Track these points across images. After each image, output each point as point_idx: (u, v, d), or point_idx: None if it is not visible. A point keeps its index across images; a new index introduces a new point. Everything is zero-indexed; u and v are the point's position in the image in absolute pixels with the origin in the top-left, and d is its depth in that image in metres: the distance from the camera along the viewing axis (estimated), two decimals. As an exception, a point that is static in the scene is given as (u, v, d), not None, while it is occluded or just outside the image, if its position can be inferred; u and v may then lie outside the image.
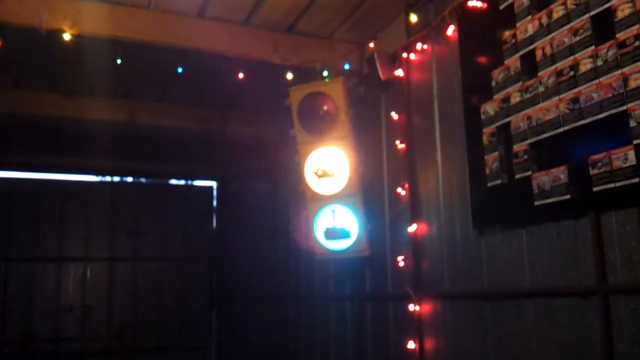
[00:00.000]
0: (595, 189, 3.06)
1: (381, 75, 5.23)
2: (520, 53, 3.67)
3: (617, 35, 2.98)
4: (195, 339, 8.85)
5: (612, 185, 2.97)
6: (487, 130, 3.93)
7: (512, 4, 3.76)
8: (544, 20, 3.47)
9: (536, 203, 3.46)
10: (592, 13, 3.14)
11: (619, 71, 2.95)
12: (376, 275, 5.55)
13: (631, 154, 2.86)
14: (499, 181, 3.80)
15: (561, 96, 3.31)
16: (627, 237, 2.98)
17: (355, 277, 5.89)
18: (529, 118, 3.55)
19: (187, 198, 9.22)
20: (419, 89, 4.96)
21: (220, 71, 5.73)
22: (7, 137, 7.36)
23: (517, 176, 3.64)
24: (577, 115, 3.20)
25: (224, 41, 5.28)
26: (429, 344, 4.63)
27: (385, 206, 5.41)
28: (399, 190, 5.07)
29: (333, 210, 5.48)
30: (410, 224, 4.86)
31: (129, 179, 8.99)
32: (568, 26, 3.29)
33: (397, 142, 5.13)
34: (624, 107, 2.91)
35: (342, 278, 6.22)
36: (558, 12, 3.37)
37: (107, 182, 8.88)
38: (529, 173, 3.53)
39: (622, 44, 2.95)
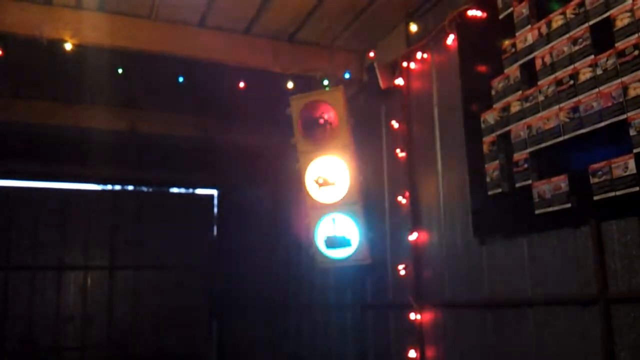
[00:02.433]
0: (595, 197, 3.07)
1: (381, 84, 5.25)
2: (520, 62, 3.68)
3: (617, 45, 2.99)
4: (195, 348, 8.82)
5: (612, 194, 2.97)
6: (488, 139, 3.94)
7: (511, 14, 3.78)
8: (544, 30, 3.49)
9: (537, 212, 3.47)
10: (591, 22, 3.16)
11: (619, 80, 2.97)
12: (377, 283, 5.54)
13: (631, 163, 2.87)
14: (499, 190, 3.81)
15: (561, 105, 3.32)
16: (627, 246, 2.99)
17: (356, 285, 5.88)
18: (529, 127, 3.56)
19: (187, 206, 9.21)
20: (419, 98, 4.97)
21: (221, 80, 5.75)
22: (8, 146, 7.36)
23: (517, 185, 3.64)
24: (577, 124, 3.20)
25: (225, 50, 5.30)
26: (430, 352, 4.62)
27: (386, 214, 5.41)
28: (400, 198, 5.07)
29: (334, 219, 5.47)
30: (411, 233, 4.86)
31: (130, 188, 8.99)
32: (567, 35, 3.31)
33: (398, 150, 5.14)
34: (624, 116, 2.92)
35: (343, 286, 6.21)
36: (557, 21, 3.38)
37: (107, 191, 8.88)
38: (530, 182, 3.54)
39: (621, 53, 2.96)
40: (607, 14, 3.05)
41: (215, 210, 9.39)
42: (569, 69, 3.28)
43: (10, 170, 8.17)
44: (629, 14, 2.93)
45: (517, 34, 3.71)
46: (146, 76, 6.01)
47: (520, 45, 3.68)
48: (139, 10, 4.93)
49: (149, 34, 5.02)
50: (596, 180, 3.06)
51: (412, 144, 5.01)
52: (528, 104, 3.58)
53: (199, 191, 9.45)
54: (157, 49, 5.07)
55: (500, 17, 3.89)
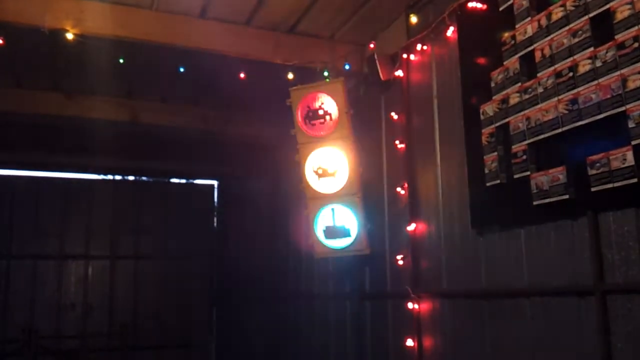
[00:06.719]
0: (593, 189, 3.09)
1: (381, 76, 5.26)
2: (520, 54, 3.70)
3: (616, 37, 3.00)
4: (195, 337, 8.86)
5: (610, 185, 3.00)
6: (486, 131, 3.96)
7: (511, 6, 3.79)
8: (543, 22, 3.50)
9: (535, 203, 3.49)
10: (591, 14, 3.17)
11: (618, 72, 2.98)
12: (375, 273, 5.57)
13: (629, 155, 2.89)
14: (497, 181, 3.83)
15: (560, 97, 3.34)
16: (624, 237, 3.01)
17: (355, 275, 5.92)
18: (528, 119, 3.58)
19: (188, 197, 9.22)
20: (418, 90, 4.98)
21: (221, 71, 5.75)
22: (10, 136, 7.38)
23: (515, 176, 3.67)
24: (576, 116, 3.22)
25: (226, 41, 5.30)
26: (427, 342, 4.66)
27: (385, 205, 5.43)
28: (399, 189, 5.10)
29: (333, 209, 5.50)
30: (410, 223, 4.89)
31: (131, 178, 9.01)
32: (567, 27, 3.32)
33: (397, 142, 5.15)
34: (623, 108, 2.94)
35: (342, 276, 6.25)
36: (557, 13, 3.39)
37: (108, 181, 8.89)
38: (528, 173, 3.56)
39: (621, 46, 2.97)
40: (607, 6, 3.06)
41: (216, 200, 9.41)
42: (569, 61, 3.29)
43: (12, 160, 8.19)
44: (629, 6, 2.94)
45: (517, 26, 3.72)
46: (147, 66, 6.01)
47: (519, 37, 3.69)
48: (140, 0, 4.93)
49: (150, 24, 5.02)
50: (594, 171, 3.08)
51: (411, 136, 5.03)
52: (527, 96, 3.60)
53: (200, 182, 9.47)
54: (158, 39, 5.08)
55: (500, 9, 3.90)
